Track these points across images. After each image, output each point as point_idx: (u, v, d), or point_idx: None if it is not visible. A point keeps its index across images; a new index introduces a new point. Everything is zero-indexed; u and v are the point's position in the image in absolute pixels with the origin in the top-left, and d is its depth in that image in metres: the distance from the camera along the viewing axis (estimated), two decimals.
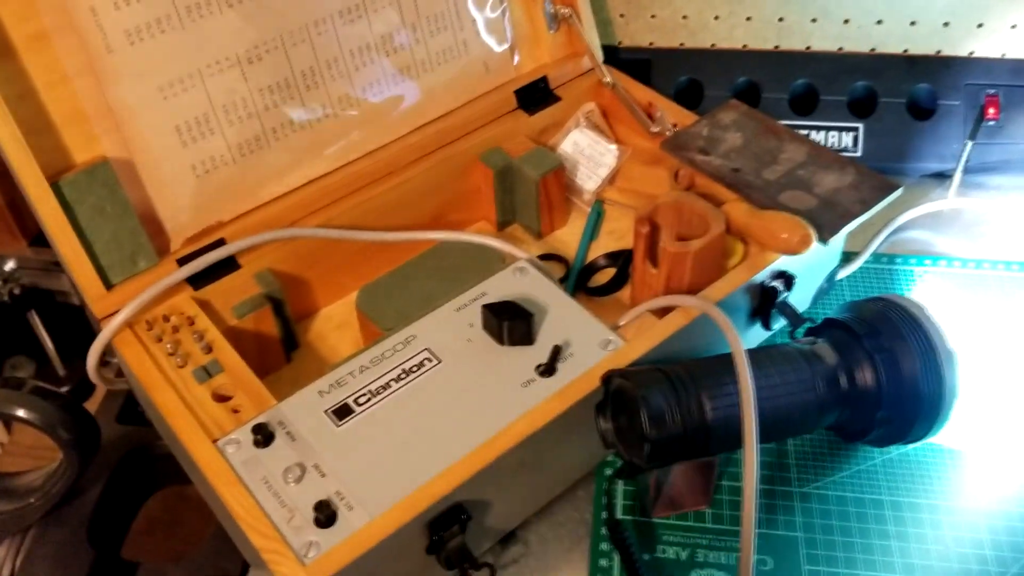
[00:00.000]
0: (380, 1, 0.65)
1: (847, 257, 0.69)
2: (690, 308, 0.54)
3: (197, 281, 0.58)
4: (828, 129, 0.78)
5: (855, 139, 0.78)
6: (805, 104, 0.79)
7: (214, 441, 0.49)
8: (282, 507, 0.46)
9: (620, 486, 0.56)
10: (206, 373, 0.52)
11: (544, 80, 0.72)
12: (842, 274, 0.69)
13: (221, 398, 0.52)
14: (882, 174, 0.61)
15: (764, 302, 0.59)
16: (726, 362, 0.50)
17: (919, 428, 0.53)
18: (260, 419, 0.50)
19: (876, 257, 0.70)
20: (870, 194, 0.60)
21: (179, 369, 0.53)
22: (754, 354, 0.51)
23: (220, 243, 0.59)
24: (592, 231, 0.70)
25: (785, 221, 0.56)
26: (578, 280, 0.67)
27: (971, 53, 0.77)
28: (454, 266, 0.62)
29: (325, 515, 0.45)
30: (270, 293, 0.59)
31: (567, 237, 0.70)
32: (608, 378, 0.50)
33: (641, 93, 0.72)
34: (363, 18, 0.64)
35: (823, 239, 0.57)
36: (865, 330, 0.53)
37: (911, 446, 0.57)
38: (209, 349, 0.54)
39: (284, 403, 0.51)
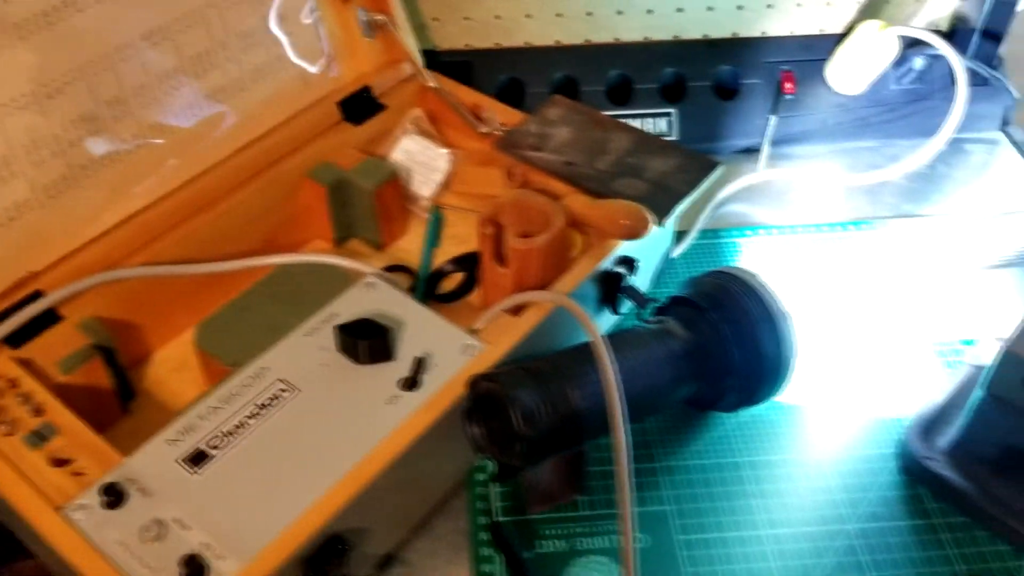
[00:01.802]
0: (184, 21, 0.61)
1: (678, 236, 0.72)
2: (545, 303, 0.55)
3: (15, 340, 0.53)
4: (644, 116, 0.81)
5: (670, 123, 0.81)
6: (621, 94, 0.82)
7: (58, 509, 0.45)
8: (145, 568, 0.43)
9: (494, 489, 0.56)
10: (39, 438, 0.48)
11: (367, 89, 0.71)
12: (676, 252, 0.72)
13: (60, 462, 0.48)
14: (703, 154, 0.65)
15: (611, 288, 0.61)
16: (586, 351, 0.51)
17: (766, 389, 0.56)
18: (107, 479, 0.46)
19: (703, 233, 0.74)
20: (695, 174, 0.63)
21: (8, 437, 0.48)
22: (610, 340, 0.52)
23: (37, 295, 0.54)
24: (434, 238, 0.69)
25: (624, 207, 0.58)
26: (426, 288, 0.66)
27: (763, 33, 0.82)
28: (296, 290, 0.60)
29: (193, 570, 0.42)
30: (98, 342, 0.55)
31: (409, 246, 0.70)
32: (475, 383, 0.50)
33: (466, 95, 0.72)
34: (168, 40, 0.61)
35: (659, 221, 0.60)
36: (708, 303, 0.55)
37: (758, 407, 0.60)
38: (39, 411, 0.49)
39: (131, 458, 0.47)
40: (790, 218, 0.77)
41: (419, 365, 0.51)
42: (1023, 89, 0.86)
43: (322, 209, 0.67)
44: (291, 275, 0.61)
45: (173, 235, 0.61)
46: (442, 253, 0.69)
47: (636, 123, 0.81)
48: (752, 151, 0.82)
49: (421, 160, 0.71)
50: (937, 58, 0.81)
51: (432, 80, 0.72)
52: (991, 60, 0.83)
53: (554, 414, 0.48)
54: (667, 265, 0.70)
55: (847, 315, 0.68)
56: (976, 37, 0.82)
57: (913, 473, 0.56)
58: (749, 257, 0.72)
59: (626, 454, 0.47)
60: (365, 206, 0.67)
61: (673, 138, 0.81)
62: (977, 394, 0.53)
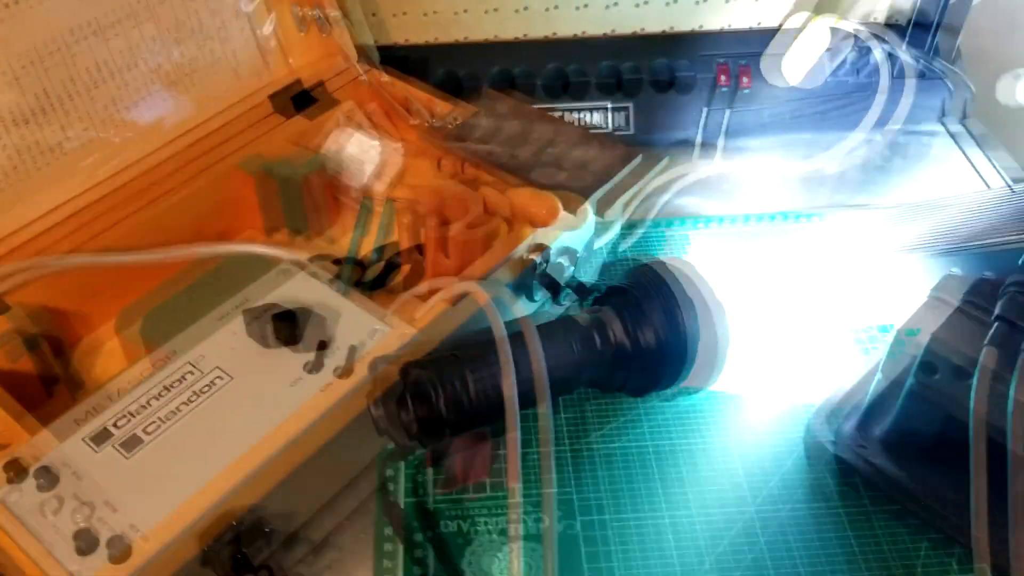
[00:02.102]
0: (120, 12, 0.63)
1: (631, 226, 0.74)
2: (452, 289, 0.56)
3: None
4: (580, 110, 0.82)
5: (607, 117, 0.82)
6: (557, 88, 0.82)
7: None
8: (42, 542, 0.44)
9: (403, 470, 0.57)
10: None
11: (300, 82, 0.72)
12: (600, 242, 0.73)
13: None
14: (623, 144, 0.66)
15: (527, 275, 0.62)
16: (489, 336, 0.52)
17: (670, 374, 0.57)
18: (11, 457, 0.47)
19: (655, 223, 0.75)
20: (613, 163, 0.64)
21: None
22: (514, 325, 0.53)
23: None
24: (363, 227, 0.70)
25: (535, 196, 0.59)
26: (352, 276, 0.67)
27: (701, 27, 0.83)
28: (220, 278, 0.61)
29: (86, 543, 0.44)
30: (22, 329, 0.56)
31: (339, 236, 0.71)
32: (375, 365, 0.51)
33: (399, 88, 0.74)
34: (99, 35, 0.62)
35: (572, 209, 0.61)
36: (616, 291, 0.56)
37: (682, 395, 0.61)
38: None
39: (38, 438, 0.49)
40: (738, 209, 0.77)
41: (323, 348, 0.53)
42: (984, 82, 0.87)
43: (253, 199, 0.69)
44: (216, 263, 0.63)
45: (102, 224, 0.62)
46: (373, 243, 0.70)
47: (572, 117, 0.82)
48: (704, 144, 0.82)
49: (353, 152, 0.72)
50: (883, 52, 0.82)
51: (365, 74, 0.73)
52: (939, 52, 0.84)
53: (448, 397, 0.49)
54: (600, 256, 0.71)
55: (777, 303, 0.68)
56: (932, 30, 0.83)
57: (818, 458, 0.57)
58: (698, 247, 0.73)
59: (518, 437, 0.48)
60: (293, 196, 0.68)
61: (608, 131, 0.82)
62: (877, 378, 0.54)
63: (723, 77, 0.81)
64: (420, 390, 0.49)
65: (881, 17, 0.84)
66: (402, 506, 0.52)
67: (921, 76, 0.84)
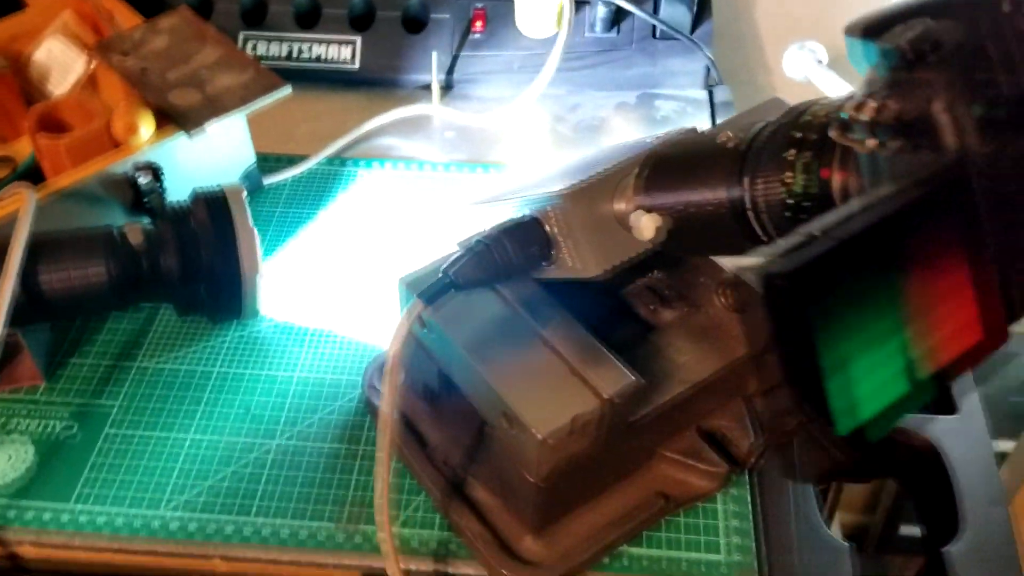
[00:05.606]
0: None
1: (301, 159, 0.73)
2: (22, 196, 0.57)
3: None
4: (329, 43, 0.81)
5: (353, 52, 0.81)
6: (309, 19, 0.81)
7: None
8: None
9: None
10: None
11: None
12: (290, 174, 0.72)
13: None
14: (279, 76, 0.65)
15: (137, 193, 0.62)
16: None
17: (231, 302, 0.57)
18: None
19: (330, 160, 0.74)
20: (256, 92, 0.64)
21: None
22: (48, 237, 0.54)
23: None
24: None
25: (118, 111, 0.59)
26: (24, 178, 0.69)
27: None
28: None
29: None
30: None
31: None
32: None
33: (110, 3, 0.74)
34: None
35: (188, 131, 0.61)
36: (176, 216, 0.56)
37: (255, 325, 0.61)
38: None
39: None
40: (439, 156, 0.75)
41: None
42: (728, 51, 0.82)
43: None
44: None
45: None
46: None
47: (319, 49, 0.81)
48: (423, 84, 0.81)
49: (62, 61, 0.74)
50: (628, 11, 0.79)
51: None
52: (691, 16, 0.80)
53: None
54: (256, 185, 0.71)
55: (382, 251, 0.67)
56: None
57: (367, 403, 0.57)
58: (362, 188, 0.72)
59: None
60: None
61: (354, 67, 0.81)
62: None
63: (457, 20, 0.78)
64: None
65: None
66: None
67: (665, 38, 0.80)
